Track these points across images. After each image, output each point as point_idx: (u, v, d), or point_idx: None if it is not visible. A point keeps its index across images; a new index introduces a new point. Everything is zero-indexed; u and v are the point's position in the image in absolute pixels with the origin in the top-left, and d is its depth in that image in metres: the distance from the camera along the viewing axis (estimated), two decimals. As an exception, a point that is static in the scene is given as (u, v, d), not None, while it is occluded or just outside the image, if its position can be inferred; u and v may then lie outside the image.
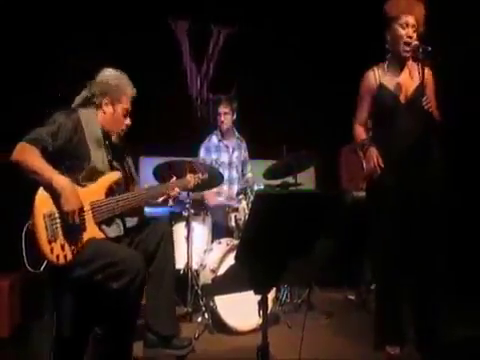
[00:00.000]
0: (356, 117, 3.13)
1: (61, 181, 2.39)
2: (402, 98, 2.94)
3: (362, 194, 4.46)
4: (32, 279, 2.53)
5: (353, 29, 5.35)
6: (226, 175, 4.55)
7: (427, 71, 2.93)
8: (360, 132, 3.10)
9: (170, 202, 2.94)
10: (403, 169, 2.87)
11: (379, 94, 2.98)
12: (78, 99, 2.71)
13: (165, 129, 5.32)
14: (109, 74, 2.74)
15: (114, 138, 2.79)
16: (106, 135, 2.74)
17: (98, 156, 2.62)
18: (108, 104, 2.71)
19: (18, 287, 3.57)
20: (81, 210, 2.45)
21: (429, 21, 2.94)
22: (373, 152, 2.91)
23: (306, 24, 5.64)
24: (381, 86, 2.97)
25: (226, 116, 4.53)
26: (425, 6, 2.94)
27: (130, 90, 2.76)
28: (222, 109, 4.53)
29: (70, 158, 2.51)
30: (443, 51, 2.83)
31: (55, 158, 2.45)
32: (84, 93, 2.71)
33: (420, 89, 2.82)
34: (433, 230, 2.88)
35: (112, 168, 2.74)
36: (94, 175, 2.55)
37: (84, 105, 2.70)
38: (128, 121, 2.80)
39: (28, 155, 2.39)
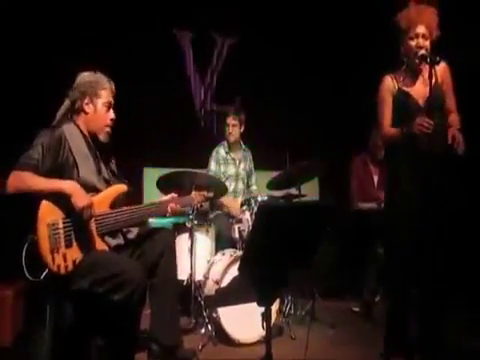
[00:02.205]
0: (382, 122, 3.02)
1: (68, 184, 2.43)
2: (420, 103, 2.95)
3: (367, 205, 4.50)
4: (36, 289, 2.53)
5: (357, 39, 5.38)
6: (232, 187, 4.58)
7: (444, 69, 2.97)
8: (392, 130, 2.97)
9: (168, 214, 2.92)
10: (424, 174, 2.84)
11: (398, 99, 2.98)
12: (61, 110, 2.71)
13: (168, 139, 5.34)
14: (83, 75, 2.74)
15: (103, 137, 2.75)
16: (94, 142, 2.74)
17: (87, 169, 2.62)
18: (89, 103, 2.70)
19: (21, 296, 3.56)
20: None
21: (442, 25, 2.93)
22: (419, 119, 2.78)
23: (309, 34, 5.68)
24: (400, 91, 2.99)
25: (234, 128, 4.54)
26: (437, 11, 2.94)
27: (107, 84, 2.75)
28: (231, 121, 4.53)
29: (59, 175, 2.50)
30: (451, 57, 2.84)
31: (46, 177, 2.45)
32: (65, 103, 2.72)
33: (436, 92, 2.86)
34: (446, 236, 2.86)
35: (105, 181, 2.74)
36: (86, 188, 2.52)
37: (66, 116, 2.70)
38: (112, 115, 2.77)
39: (25, 181, 2.41)
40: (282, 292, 2.63)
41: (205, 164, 4.65)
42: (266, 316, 2.01)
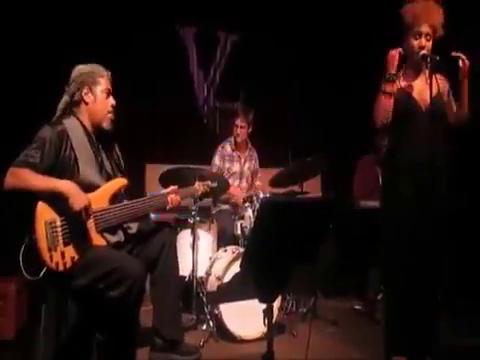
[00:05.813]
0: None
1: (65, 184, 2.41)
2: (420, 104, 2.93)
3: (370, 203, 4.46)
4: (38, 285, 2.53)
5: (360, 35, 5.36)
6: (236, 185, 4.57)
7: (443, 80, 2.96)
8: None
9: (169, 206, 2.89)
10: (418, 174, 2.84)
11: (398, 97, 2.94)
12: (60, 105, 2.69)
13: (171, 136, 5.34)
14: (79, 67, 2.72)
15: (106, 124, 2.72)
16: (96, 134, 2.72)
17: (88, 166, 2.60)
18: (88, 93, 2.67)
19: (25, 291, 3.57)
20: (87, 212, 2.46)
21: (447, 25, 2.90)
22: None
23: (314, 30, 5.66)
24: (401, 89, 2.95)
25: (242, 130, 4.51)
26: (443, 10, 2.90)
27: (104, 71, 2.74)
28: (239, 123, 4.50)
29: (60, 173, 2.48)
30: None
31: (46, 174, 2.44)
32: (64, 98, 2.69)
33: (437, 99, 2.84)
34: (442, 237, 2.86)
35: (108, 175, 2.72)
36: (86, 186, 2.51)
37: (67, 110, 2.68)
38: (112, 100, 2.75)
39: (22, 179, 2.39)
40: (284, 289, 2.62)
41: (207, 161, 4.64)
42: (268, 313, 2.00)
